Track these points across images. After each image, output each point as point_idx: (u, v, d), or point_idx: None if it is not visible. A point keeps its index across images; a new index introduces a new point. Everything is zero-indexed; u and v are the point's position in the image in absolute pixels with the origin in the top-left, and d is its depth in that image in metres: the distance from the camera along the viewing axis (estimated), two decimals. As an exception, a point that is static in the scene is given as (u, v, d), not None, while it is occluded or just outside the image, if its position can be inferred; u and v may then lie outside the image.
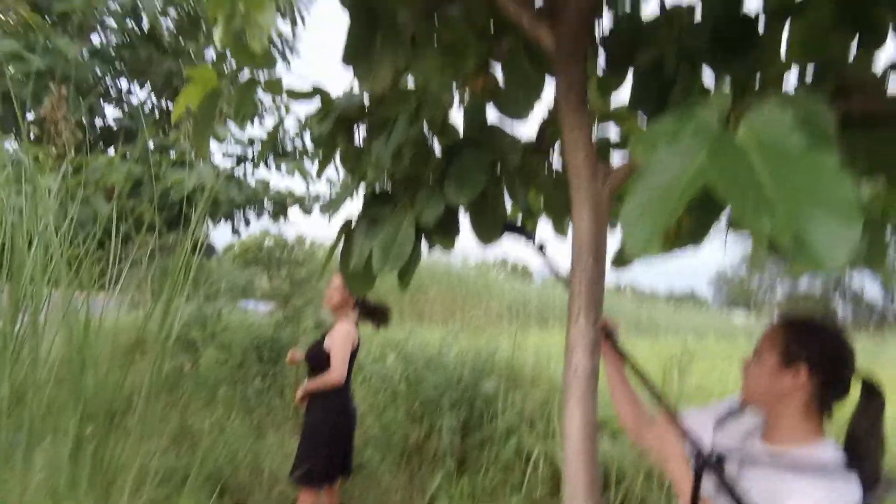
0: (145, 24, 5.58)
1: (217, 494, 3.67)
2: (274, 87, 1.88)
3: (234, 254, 12.44)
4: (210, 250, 5.08)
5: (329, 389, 2.95)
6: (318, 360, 2.97)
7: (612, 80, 1.55)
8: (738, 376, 1.27)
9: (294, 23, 6.25)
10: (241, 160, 5.68)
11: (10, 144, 2.42)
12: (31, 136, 2.47)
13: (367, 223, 1.50)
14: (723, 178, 0.60)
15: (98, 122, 5.23)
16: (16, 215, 2.20)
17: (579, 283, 1.12)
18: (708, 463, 1.10)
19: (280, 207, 4.94)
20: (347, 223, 1.58)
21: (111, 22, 5.31)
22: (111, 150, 4.86)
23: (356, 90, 1.71)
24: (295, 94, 1.86)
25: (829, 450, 1.12)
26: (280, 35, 6.59)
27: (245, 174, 5.63)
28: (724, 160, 0.63)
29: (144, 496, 2.37)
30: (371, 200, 1.51)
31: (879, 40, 1.11)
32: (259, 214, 4.85)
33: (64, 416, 2.23)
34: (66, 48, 4.32)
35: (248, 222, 4.79)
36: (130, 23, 5.50)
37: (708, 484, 1.14)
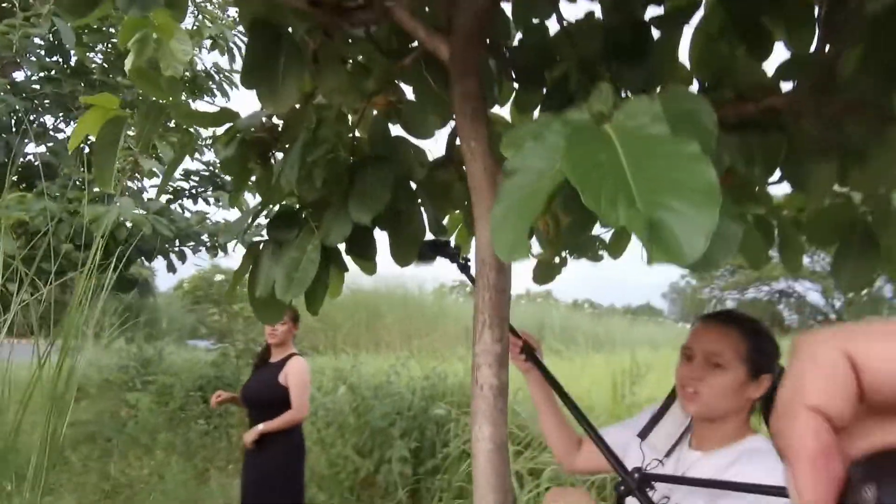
0: (73, 58, 5.41)
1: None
2: (180, 111, 1.80)
3: (184, 290, 11.98)
4: (145, 287, 4.83)
5: (289, 428, 2.84)
6: (272, 396, 2.85)
7: (528, 96, 1.54)
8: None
9: (231, 55, 6.16)
10: (177, 194, 5.50)
11: None
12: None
13: (272, 247, 1.42)
14: (578, 168, 0.56)
15: (21, 159, 4.97)
16: None
17: (482, 298, 1.07)
18: (629, 486, 1.05)
19: (218, 242, 4.77)
20: (255, 246, 1.50)
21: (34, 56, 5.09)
22: (35, 187, 4.61)
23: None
24: (200, 117, 1.78)
25: (759, 440, 1.10)
26: (217, 68, 6.51)
27: (183, 209, 5.45)
28: (582, 150, 0.59)
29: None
30: (276, 222, 1.43)
31: (765, 51, 1.12)
32: (195, 250, 4.66)
33: None
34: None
35: (183, 258, 4.59)
36: (57, 57, 5.32)
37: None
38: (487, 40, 1.28)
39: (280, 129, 1.70)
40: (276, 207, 1.62)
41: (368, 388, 4.20)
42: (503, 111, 1.69)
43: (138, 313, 6.90)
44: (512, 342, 1.28)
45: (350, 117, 1.50)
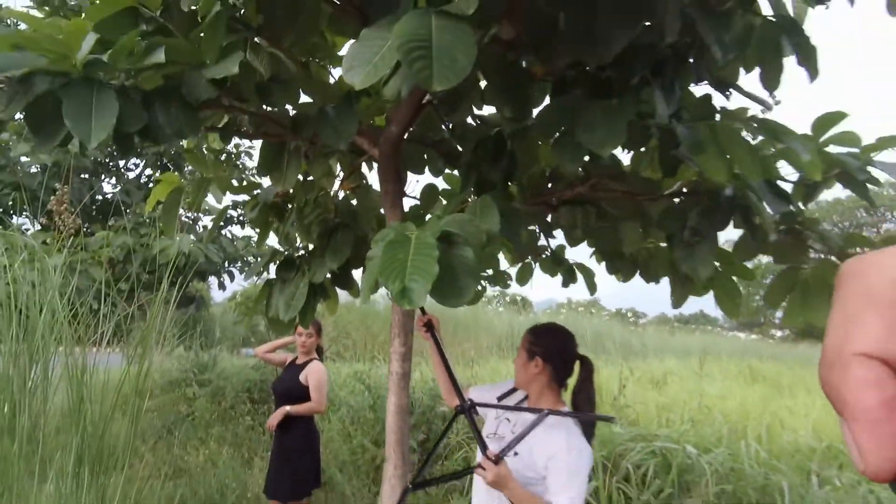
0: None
1: (206, 518, 4.21)
2: (221, 183, 2.53)
3: (236, 302, 13.01)
4: (200, 303, 5.68)
5: (307, 415, 3.55)
6: (295, 391, 3.56)
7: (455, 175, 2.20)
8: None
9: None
10: (227, 221, 6.37)
11: (25, 233, 3.04)
12: (41, 224, 3.12)
13: (279, 284, 2.12)
14: (385, 263, 1.21)
15: (98, 196, 5.93)
16: (29, 287, 2.82)
17: (395, 318, 1.73)
18: (463, 409, 1.69)
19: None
20: (269, 282, 2.20)
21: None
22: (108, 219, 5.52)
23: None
24: (235, 190, 2.51)
25: (565, 409, 1.71)
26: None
27: (231, 235, 6.28)
28: (390, 253, 1.24)
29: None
30: (281, 266, 2.13)
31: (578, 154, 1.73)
32: (241, 270, 5.49)
33: (65, 458, 2.76)
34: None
35: (232, 277, 5.42)
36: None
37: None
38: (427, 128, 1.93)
39: (286, 198, 2.42)
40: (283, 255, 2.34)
41: (385, 388, 4.90)
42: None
43: (195, 325, 7.81)
44: (419, 319, 1.90)
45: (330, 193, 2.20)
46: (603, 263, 2.27)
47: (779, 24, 1.23)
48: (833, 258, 1.60)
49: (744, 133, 1.35)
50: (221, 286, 5.42)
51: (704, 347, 16.01)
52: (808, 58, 1.22)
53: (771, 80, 1.28)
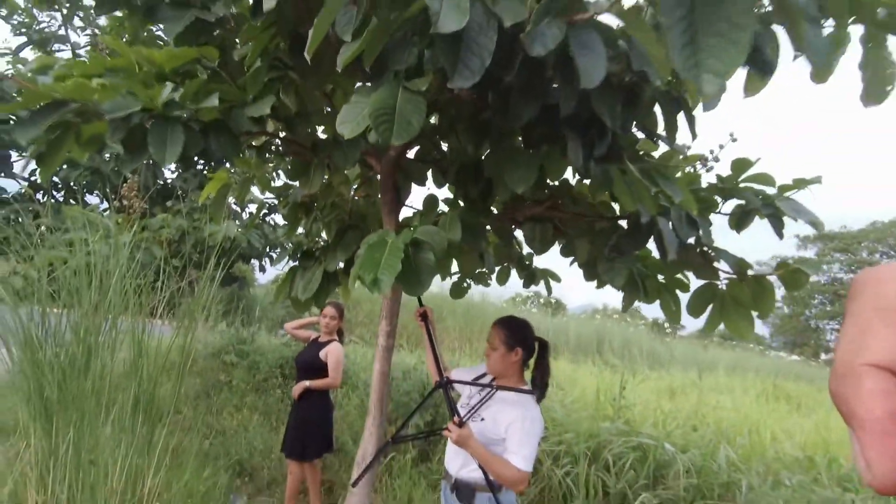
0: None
1: (237, 472, 4.79)
2: (262, 183, 3.04)
3: (277, 285, 13.80)
4: (243, 283, 6.29)
5: (323, 389, 4.06)
6: (314, 365, 4.07)
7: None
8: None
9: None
10: (270, 210, 6.97)
11: (103, 214, 3.63)
12: (112, 206, 3.72)
13: (300, 270, 2.60)
14: (365, 260, 1.65)
15: (160, 181, 6.62)
16: (103, 259, 3.41)
17: (385, 301, 2.18)
18: (441, 384, 2.12)
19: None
20: (293, 269, 2.69)
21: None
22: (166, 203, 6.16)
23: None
24: (273, 189, 3.01)
25: (527, 386, 2.13)
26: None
27: (274, 222, 6.86)
28: (370, 252, 1.68)
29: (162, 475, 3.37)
30: (303, 257, 2.61)
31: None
32: (281, 257, 6.10)
33: (126, 401, 3.31)
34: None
35: (272, 261, 6.02)
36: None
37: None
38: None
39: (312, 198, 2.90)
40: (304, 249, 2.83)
41: (399, 371, 5.38)
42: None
43: (238, 302, 8.50)
44: (417, 310, 2.34)
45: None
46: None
47: (672, 97, 1.61)
48: (734, 276, 1.96)
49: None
50: (262, 269, 6.01)
51: (735, 363, 15.98)
52: (689, 121, 1.61)
53: (670, 136, 1.66)
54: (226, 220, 4.71)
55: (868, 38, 1.45)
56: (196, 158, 1.79)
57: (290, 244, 6.58)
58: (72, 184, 5.49)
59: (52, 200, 5.74)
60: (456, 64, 1.15)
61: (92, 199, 6.59)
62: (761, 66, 1.16)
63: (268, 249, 5.96)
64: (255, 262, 6.42)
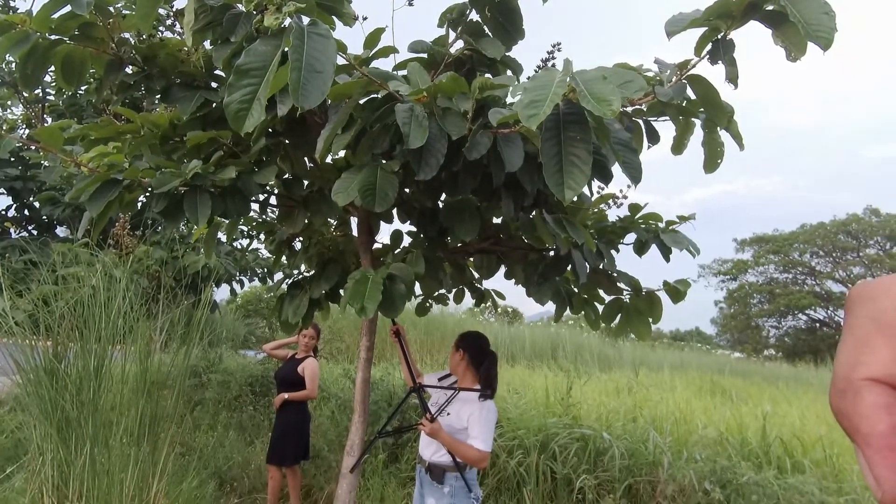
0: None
1: (217, 483, 5.16)
2: (249, 223, 3.51)
3: (237, 305, 13.99)
4: (213, 306, 6.65)
5: (301, 400, 4.53)
6: (292, 380, 4.53)
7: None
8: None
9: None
10: (240, 234, 7.32)
11: (97, 253, 4.00)
12: (97, 243, 4.10)
13: (289, 297, 3.09)
14: (353, 292, 2.17)
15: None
16: (104, 292, 3.79)
17: (365, 321, 2.71)
18: (414, 388, 2.67)
19: (267, 272, 6.60)
20: (282, 296, 3.18)
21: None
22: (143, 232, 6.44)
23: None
24: (259, 227, 3.49)
25: (476, 386, 2.69)
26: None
27: (242, 247, 7.24)
28: (355, 286, 2.21)
29: (165, 482, 3.77)
30: (291, 285, 3.11)
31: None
32: (251, 279, 6.48)
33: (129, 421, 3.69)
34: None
35: (242, 284, 6.41)
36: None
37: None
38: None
39: (296, 235, 3.39)
40: (291, 279, 3.31)
41: (370, 384, 5.88)
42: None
43: (205, 325, 8.77)
44: (390, 328, 2.88)
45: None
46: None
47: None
48: (632, 292, 2.59)
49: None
50: (233, 293, 6.40)
51: (680, 362, 17.11)
52: (631, 168, 2.22)
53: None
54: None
55: (706, 126, 2.09)
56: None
57: (263, 268, 6.99)
58: (55, 220, 5.77)
59: (34, 235, 5.99)
60: (420, 163, 1.71)
61: (60, 232, 6.83)
62: (604, 176, 1.80)
63: (237, 274, 6.35)
64: (224, 285, 6.79)
